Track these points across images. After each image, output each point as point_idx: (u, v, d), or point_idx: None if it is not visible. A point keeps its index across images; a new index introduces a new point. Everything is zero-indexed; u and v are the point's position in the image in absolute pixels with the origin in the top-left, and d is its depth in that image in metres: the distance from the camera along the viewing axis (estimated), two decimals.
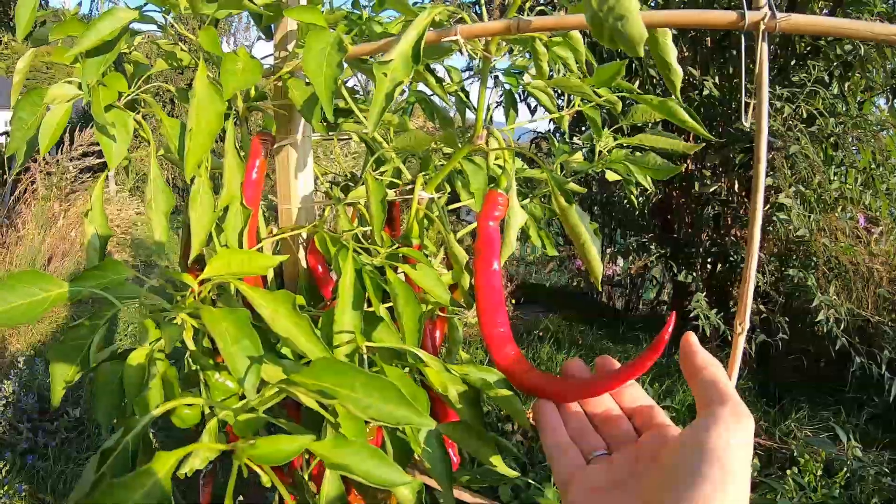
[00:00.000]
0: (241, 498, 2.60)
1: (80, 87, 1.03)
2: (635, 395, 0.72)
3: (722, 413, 0.56)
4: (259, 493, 2.75)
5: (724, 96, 4.80)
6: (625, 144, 1.26)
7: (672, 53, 0.81)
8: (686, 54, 4.83)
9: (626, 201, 5.00)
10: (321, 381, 0.55)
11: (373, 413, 0.55)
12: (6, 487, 3.34)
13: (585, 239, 0.90)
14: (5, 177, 7.85)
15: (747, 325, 0.93)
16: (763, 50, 0.76)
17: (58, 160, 7.35)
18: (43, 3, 8.92)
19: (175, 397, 0.74)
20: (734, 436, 0.54)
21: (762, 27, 0.73)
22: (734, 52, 4.68)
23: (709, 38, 4.84)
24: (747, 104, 0.83)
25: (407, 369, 0.87)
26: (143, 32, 1.13)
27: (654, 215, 5.34)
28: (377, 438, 0.86)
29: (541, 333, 5.29)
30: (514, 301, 6.12)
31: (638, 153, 1.24)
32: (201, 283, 0.78)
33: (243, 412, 0.56)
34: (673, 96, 0.90)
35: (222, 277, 0.74)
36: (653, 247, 4.90)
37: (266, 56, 1.12)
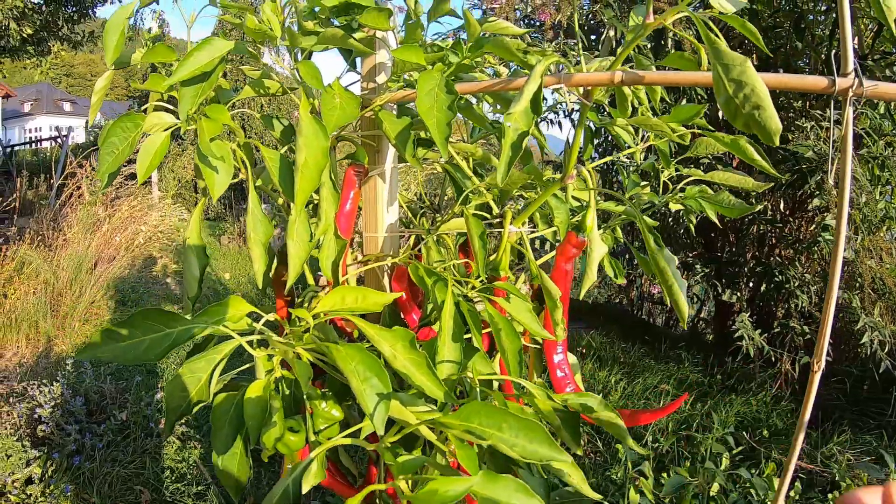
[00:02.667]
0: None
1: (177, 115, 1.05)
2: None
3: None
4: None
5: None
6: (697, 179, 1.29)
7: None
8: None
9: (670, 219, 4.99)
10: (470, 422, 0.59)
11: (519, 451, 0.58)
12: (52, 487, 3.40)
13: (672, 282, 0.93)
14: (52, 181, 8.01)
15: (823, 363, 0.96)
16: (848, 114, 0.78)
17: None
18: (91, 13, 9.08)
19: (282, 426, 0.78)
20: None
21: (850, 94, 0.76)
22: (780, 71, 4.66)
23: (754, 55, 4.83)
24: (824, 161, 0.86)
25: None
26: (231, 61, 1.16)
27: (698, 234, 5.32)
28: None
29: (583, 350, 5.27)
30: None
31: (708, 189, 1.26)
32: (313, 317, 0.81)
33: (389, 451, 0.59)
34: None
35: (337, 313, 0.77)
36: (697, 266, 4.88)
37: (350, 84, 1.15)
